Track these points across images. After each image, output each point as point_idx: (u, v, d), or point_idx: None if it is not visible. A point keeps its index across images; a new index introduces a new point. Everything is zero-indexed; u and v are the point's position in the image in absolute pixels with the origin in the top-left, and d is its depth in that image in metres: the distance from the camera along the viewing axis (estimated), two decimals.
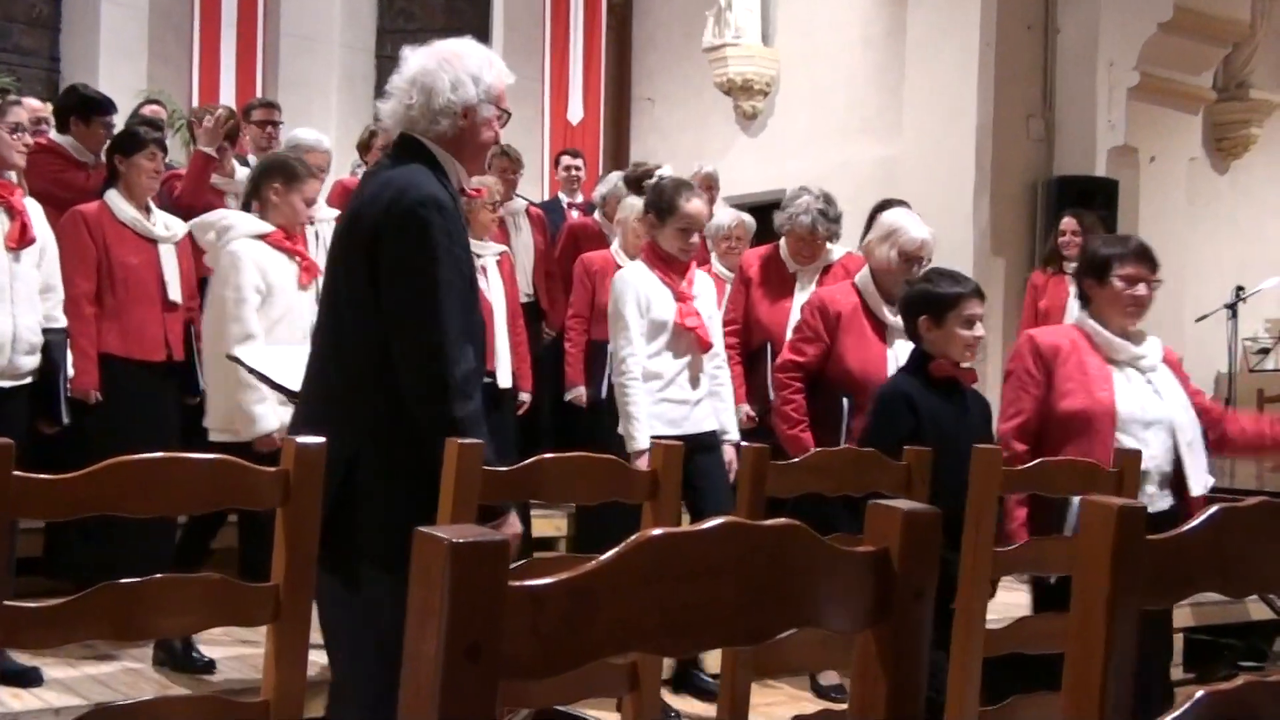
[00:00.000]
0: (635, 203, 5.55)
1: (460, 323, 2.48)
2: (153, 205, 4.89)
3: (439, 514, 2.27)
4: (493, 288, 5.21)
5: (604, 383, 5.42)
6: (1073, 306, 5.31)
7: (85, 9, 10.47)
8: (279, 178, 4.41)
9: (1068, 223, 6.53)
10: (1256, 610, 5.54)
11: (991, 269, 7.75)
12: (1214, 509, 1.41)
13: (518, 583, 0.92)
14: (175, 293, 4.82)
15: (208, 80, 10.06)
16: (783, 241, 5.00)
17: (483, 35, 11.38)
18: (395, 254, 2.48)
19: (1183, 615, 5.23)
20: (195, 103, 9.68)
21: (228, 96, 9.63)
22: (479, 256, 5.11)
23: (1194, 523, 1.41)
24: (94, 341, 4.65)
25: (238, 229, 4.30)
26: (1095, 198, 7.46)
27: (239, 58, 10.22)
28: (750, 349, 5.04)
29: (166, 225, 4.91)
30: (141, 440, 3.38)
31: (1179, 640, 5.32)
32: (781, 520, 1.14)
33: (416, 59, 2.63)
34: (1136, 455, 3.28)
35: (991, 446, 3.19)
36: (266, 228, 4.31)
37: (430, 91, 2.58)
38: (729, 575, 1.08)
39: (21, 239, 4.15)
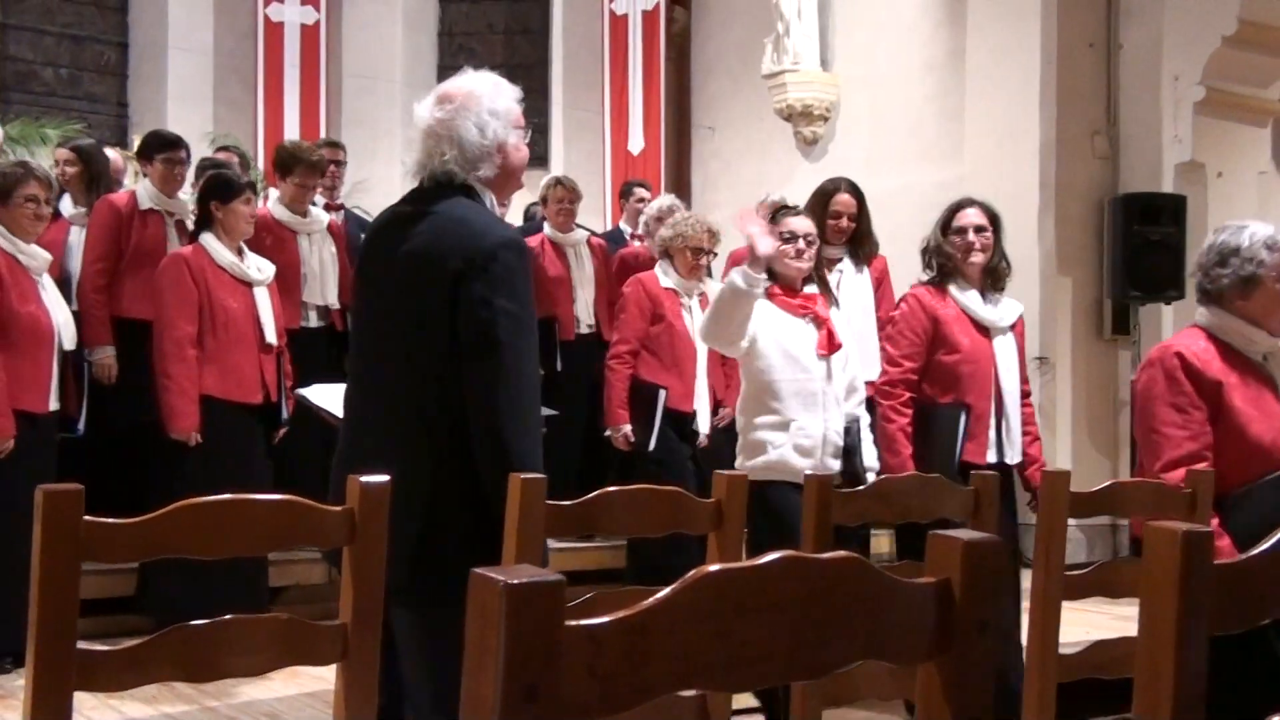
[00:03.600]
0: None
1: (533, 363, 2.55)
2: (245, 248, 4.99)
3: (504, 549, 2.28)
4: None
5: (654, 429, 5.41)
6: None
7: (153, 56, 10.72)
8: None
9: None
10: None
11: (1059, 288, 7.67)
12: None
13: (574, 622, 0.92)
14: (271, 335, 4.93)
15: (272, 122, 10.26)
16: None
17: (542, 69, 11.50)
18: (480, 295, 2.48)
19: None
20: (261, 147, 9.87)
21: (293, 137, 9.79)
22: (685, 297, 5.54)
23: (1264, 546, 1.38)
24: (196, 384, 4.74)
25: None
26: (1162, 214, 7.35)
27: (303, 99, 10.41)
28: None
29: (259, 268, 5.01)
30: (238, 481, 3.45)
31: None
32: (840, 554, 1.14)
33: (429, 110, 2.64)
34: (1209, 476, 3.22)
35: (1063, 470, 3.15)
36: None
37: (460, 143, 2.59)
38: (788, 610, 1.07)
39: None
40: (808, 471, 3.18)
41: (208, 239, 4.88)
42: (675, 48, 11.12)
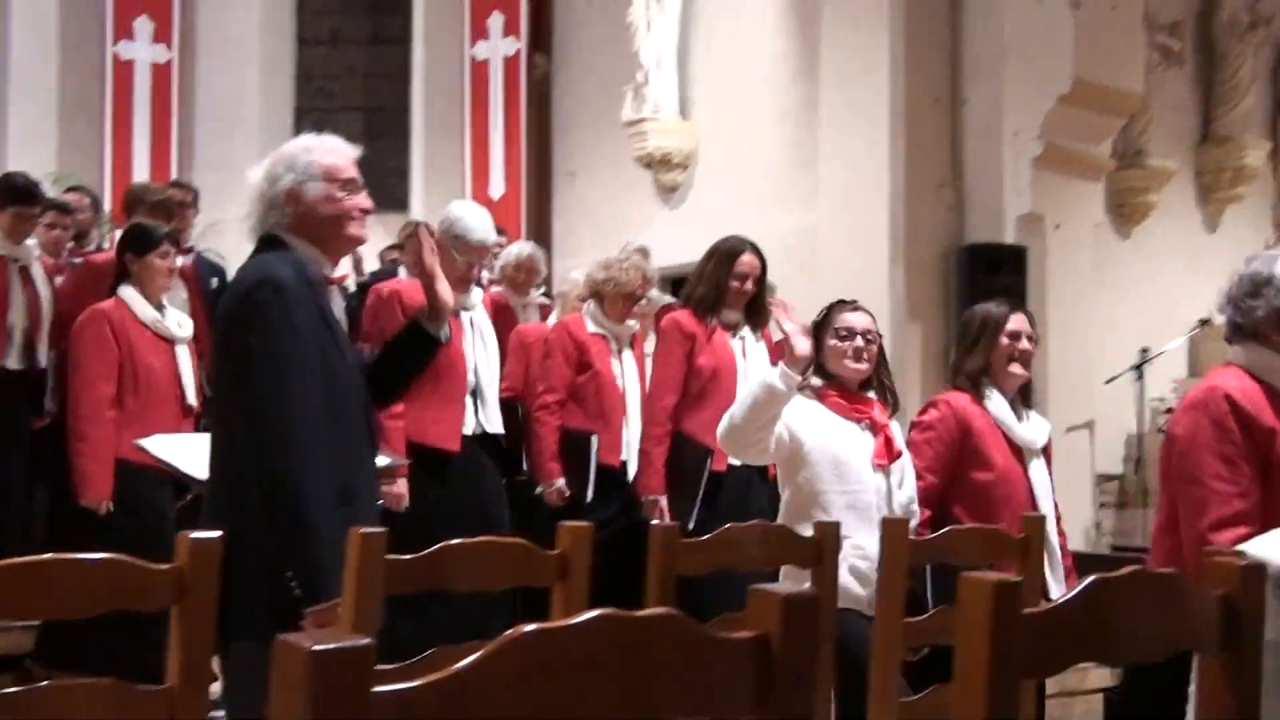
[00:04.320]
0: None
1: (315, 400, 2.57)
2: (165, 303, 4.80)
3: (344, 607, 2.25)
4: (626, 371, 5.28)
5: (589, 480, 5.08)
6: None
7: None
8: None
9: None
10: None
11: (908, 336, 7.86)
12: (1089, 580, 1.45)
13: (383, 688, 0.92)
14: (192, 396, 4.73)
15: (120, 163, 10.01)
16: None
17: (402, 113, 11.46)
18: (235, 338, 2.63)
19: (1102, 675, 5.29)
20: (108, 188, 9.63)
21: (142, 179, 9.56)
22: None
23: (1069, 594, 1.44)
24: (112, 449, 4.49)
25: None
26: (1004, 264, 7.62)
27: (154, 140, 10.18)
28: None
29: (180, 324, 4.80)
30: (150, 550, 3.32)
31: (1099, 700, 5.37)
32: (658, 610, 1.15)
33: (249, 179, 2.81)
34: (1040, 520, 3.33)
35: (902, 518, 3.23)
36: None
37: (257, 197, 2.76)
38: (605, 668, 1.08)
39: None
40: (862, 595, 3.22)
41: (127, 292, 4.66)
42: (536, 94, 11.18)
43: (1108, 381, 8.57)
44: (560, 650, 1.05)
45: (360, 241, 2.88)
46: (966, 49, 7.96)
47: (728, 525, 2.92)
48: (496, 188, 10.94)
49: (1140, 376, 8.84)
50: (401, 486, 4.33)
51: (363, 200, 2.81)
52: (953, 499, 3.69)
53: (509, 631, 1.03)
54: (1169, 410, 9.56)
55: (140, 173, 9.87)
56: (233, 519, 2.51)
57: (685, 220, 9.80)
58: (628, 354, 5.32)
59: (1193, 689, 1.64)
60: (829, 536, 3.07)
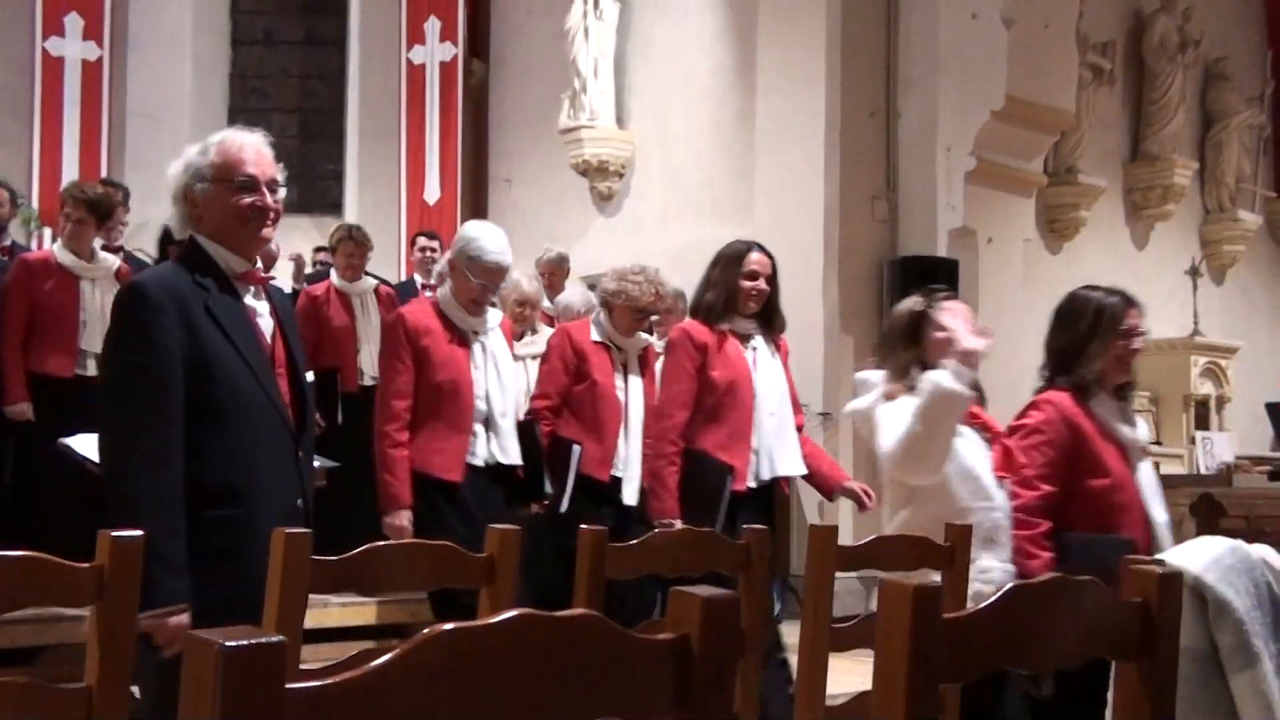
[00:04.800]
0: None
1: (155, 404, 2.57)
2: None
3: (266, 605, 2.22)
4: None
5: (566, 489, 4.71)
6: None
7: None
8: None
9: None
10: None
11: (842, 347, 7.92)
12: (1008, 585, 1.47)
13: (296, 685, 0.91)
14: None
15: (49, 161, 9.84)
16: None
17: (337, 116, 11.38)
18: (105, 344, 2.79)
19: None
20: (36, 185, 9.46)
21: (71, 176, 9.41)
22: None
23: (988, 601, 1.46)
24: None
25: None
26: (937, 276, 7.69)
27: (82, 137, 10.01)
28: None
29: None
30: None
31: None
32: (578, 610, 1.15)
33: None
34: (967, 530, 3.36)
35: (830, 525, 3.25)
36: None
37: (170, 198, 2.78)
38: (524, 668, 1.08)
39: None
40: None
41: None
42: (473, 100, 11.15)
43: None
44: (478, 649, 1.04)
45: (263, 242, 2.78)
46: (902, 63, 8.05)
47: (657, 529, 2.91)
48: (432, 192, 10.88)
49: None
50: (403, 519, 4.14)
51: (260, 198, 2.71)
52: (1066, 508, 3.39)
53: (426, 630, 1.02)
54: None
55: (69, 170, 9.71)
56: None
57: (621, 228, 9.83)
58: (634, 367, 4.95)
59: (1111, 694, 1.67)
60: (758, 545, 3.08)
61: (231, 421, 2.63)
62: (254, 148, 2.74)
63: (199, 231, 2.73)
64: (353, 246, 6.60)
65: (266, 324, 2.79)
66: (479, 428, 4.31)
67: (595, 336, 4.88)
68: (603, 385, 4.81)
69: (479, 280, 4.25)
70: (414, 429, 4.19)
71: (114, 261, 5.79)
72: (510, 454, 4.38)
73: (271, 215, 2.74)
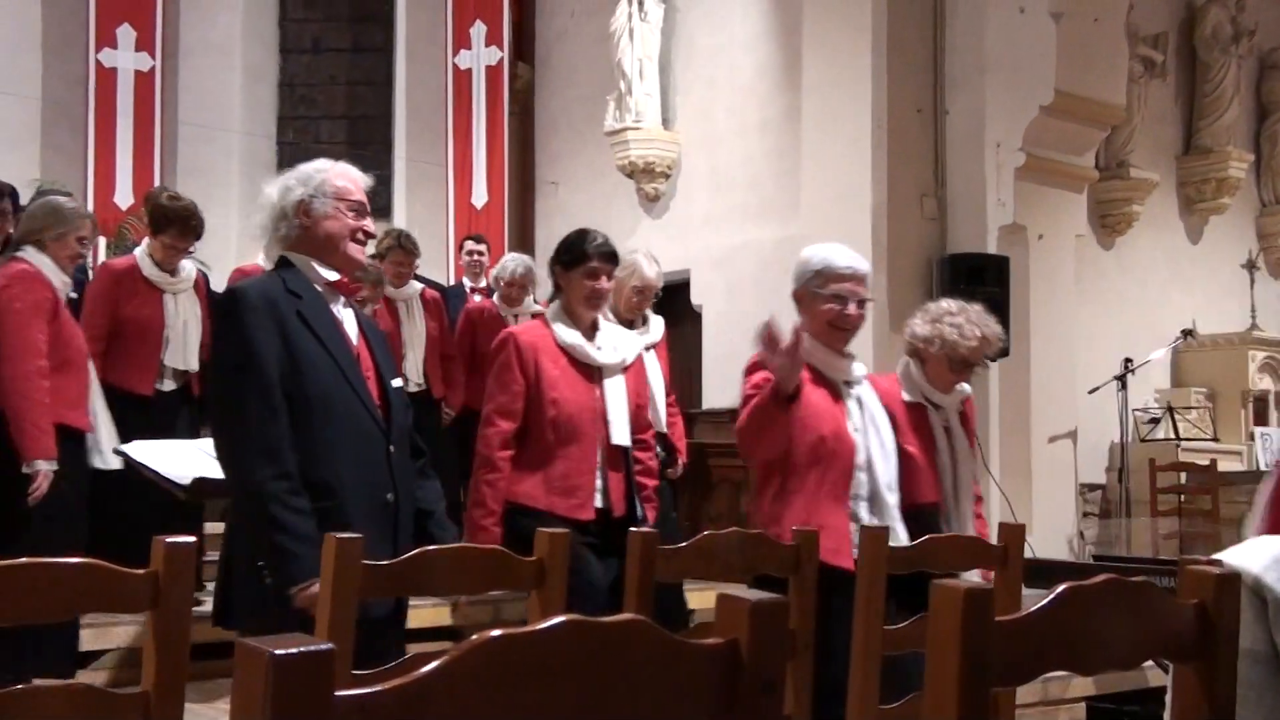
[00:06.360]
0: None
1: (258, 399, 2.75)
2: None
3: (318, 610, 2.24)
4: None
5: None
6: None
7: None
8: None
9: None
10: (1155, 677, 5.62)
11: (892, 345, 7.87)
12: (1061, 588, 1.45)
13: (345, 693, 0.91)
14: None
15: (103, 169, 9.97)
16: None
17: (385, 122, 11.45)
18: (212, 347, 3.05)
19: (1084, 685, 5.30)
20: (91, 195, 9.58)
21: (124, 185, 9.56)
22: None
23: (1042, 602, 1.44)
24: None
25: None
26: (987, 274, 7.63)
27: (136, 146, 10.14)
28: None
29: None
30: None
31: (1082, 709, 5.38)
32: (626, 616, 1.15)
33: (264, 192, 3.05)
34: (1020, 529, 3.34)
35: (881, 526, 3.23)
36: None
37: (269, 207, 2.97)
38: (571, 674, 1.07)
39: None
40: None
41: None
42: (519, 103, 11.19)
43: (1091, 391, 8.60)
44: (526, 655, 1.04)
45: (358, 264, 3.04)
46: (949, 59, 7.98)
47: (707, 532, 2.90)
48: (479, 196, 10.93)
49: (1123, 386, 8.87)
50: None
51: (366, 224, 3.02)
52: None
53: (474, 636, 1.02)
54: (1153, 420, 9.60)
55: (123, 179, 9.84)
56: (229, 518, 2.89)
57: (667, 229, 9.83)
58: (956, 427, 4.04)
59: (1169, 697, 1.64)
60: (807, 546, 3.06)
61: (322, 418, 2.80)
62: (362, 180, 3.05)
63: (292, 248, 2.95)
64: (402, 255, 6.63)
65: (352, 330, 2.99)
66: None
67: (906, 396, 3.97)
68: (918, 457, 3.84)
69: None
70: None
71: (193, 271, 5.66)
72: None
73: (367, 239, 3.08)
